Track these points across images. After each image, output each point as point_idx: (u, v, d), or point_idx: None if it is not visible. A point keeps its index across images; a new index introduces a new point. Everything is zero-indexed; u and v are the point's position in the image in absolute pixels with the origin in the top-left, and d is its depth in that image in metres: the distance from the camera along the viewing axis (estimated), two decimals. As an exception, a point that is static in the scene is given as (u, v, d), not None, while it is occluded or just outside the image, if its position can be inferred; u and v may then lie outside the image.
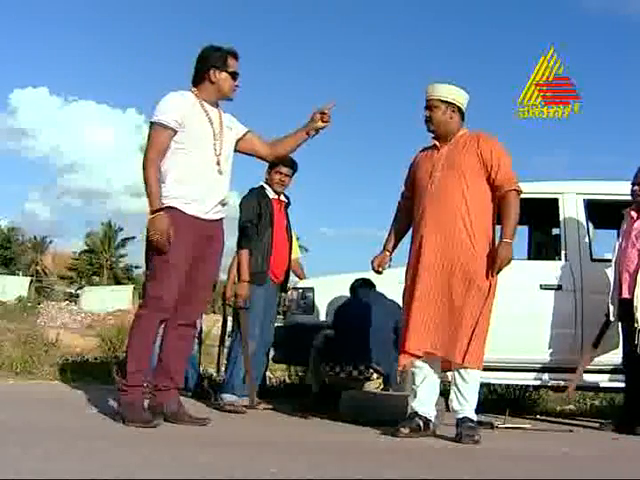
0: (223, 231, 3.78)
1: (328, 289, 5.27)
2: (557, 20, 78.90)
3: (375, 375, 4.57)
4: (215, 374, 5.77)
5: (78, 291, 39.48)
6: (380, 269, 3.99)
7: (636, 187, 4.54)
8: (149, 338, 3.57)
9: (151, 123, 3.59)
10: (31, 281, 42.02)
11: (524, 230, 6.11)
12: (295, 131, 3.82)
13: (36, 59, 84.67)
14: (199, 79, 3.69)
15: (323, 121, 3.73)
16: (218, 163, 3.64)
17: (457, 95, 3.81)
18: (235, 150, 3.80)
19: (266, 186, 4.83)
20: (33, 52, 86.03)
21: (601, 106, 71.10)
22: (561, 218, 5.16)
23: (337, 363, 4.63)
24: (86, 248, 52.63)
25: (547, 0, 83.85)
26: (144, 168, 3.53)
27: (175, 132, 3.55)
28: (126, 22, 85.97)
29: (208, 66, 3.66)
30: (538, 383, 5.16)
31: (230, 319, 5.05)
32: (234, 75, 3.70)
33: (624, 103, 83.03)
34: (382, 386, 4.58)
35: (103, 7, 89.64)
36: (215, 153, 3.63)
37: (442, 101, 3.77)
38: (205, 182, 3.60)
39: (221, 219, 3.74)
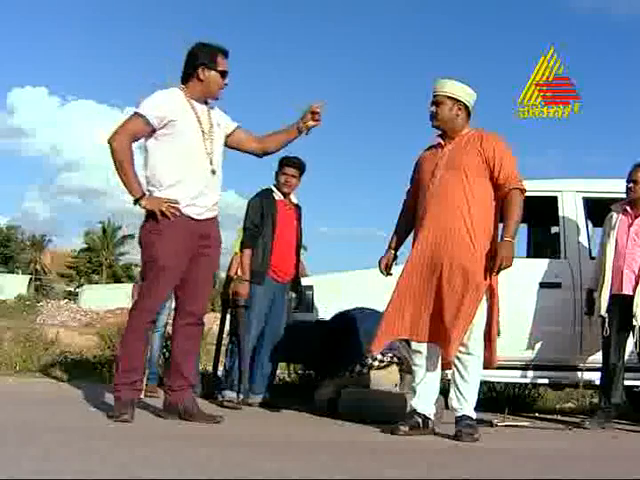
0: (218, 228, 3.75)
1: (328, 287, 5.27)
2: (547, 20, 78.87)
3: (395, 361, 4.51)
4: (212, 372, 5.76)
5: (77, 289, 39.46)
6: (388, 270, 3.97)
7: (630, 184, 4.57)
8: (139, 337, 3.57)
9: (133, 113, 3.51)
10: (30, 279, 42.03)
11: (523, 228, 6.12)
12: (287, 127, 3.79)
13: (35, 58, 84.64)
14: (188, 77, 3.61)
15: (314, 120, 3.73)
16: (211, 162, 3.59)
17: (465, 92, 3.77)
18: (224, 145, 3.74)
19: (274, 188, 4.91)
20: (32, 51, 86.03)
21: (594, 106, 70.96)
22: (560, 216, 5.16)
23: (342, 365, 4.60)
24: (85, 246, 52.58)
25: (538, 0, 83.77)
26: (114, 150, 3.43)
27: (153, 130, 3.49)
28: (125, 21, 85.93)
29: (197, 64, 3.58)
30: (537, 381, 5.16)
31: (228, 317, 5.10)
32: (223, 74, 3.62)
33: (617, 103, 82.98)
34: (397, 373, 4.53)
35: (102, 6, 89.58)
36: (207, 152, 3.57)
37: (449, 97, 3.74)
38: (199, 183, 3.56)
39: (214, 217, 3.70)
